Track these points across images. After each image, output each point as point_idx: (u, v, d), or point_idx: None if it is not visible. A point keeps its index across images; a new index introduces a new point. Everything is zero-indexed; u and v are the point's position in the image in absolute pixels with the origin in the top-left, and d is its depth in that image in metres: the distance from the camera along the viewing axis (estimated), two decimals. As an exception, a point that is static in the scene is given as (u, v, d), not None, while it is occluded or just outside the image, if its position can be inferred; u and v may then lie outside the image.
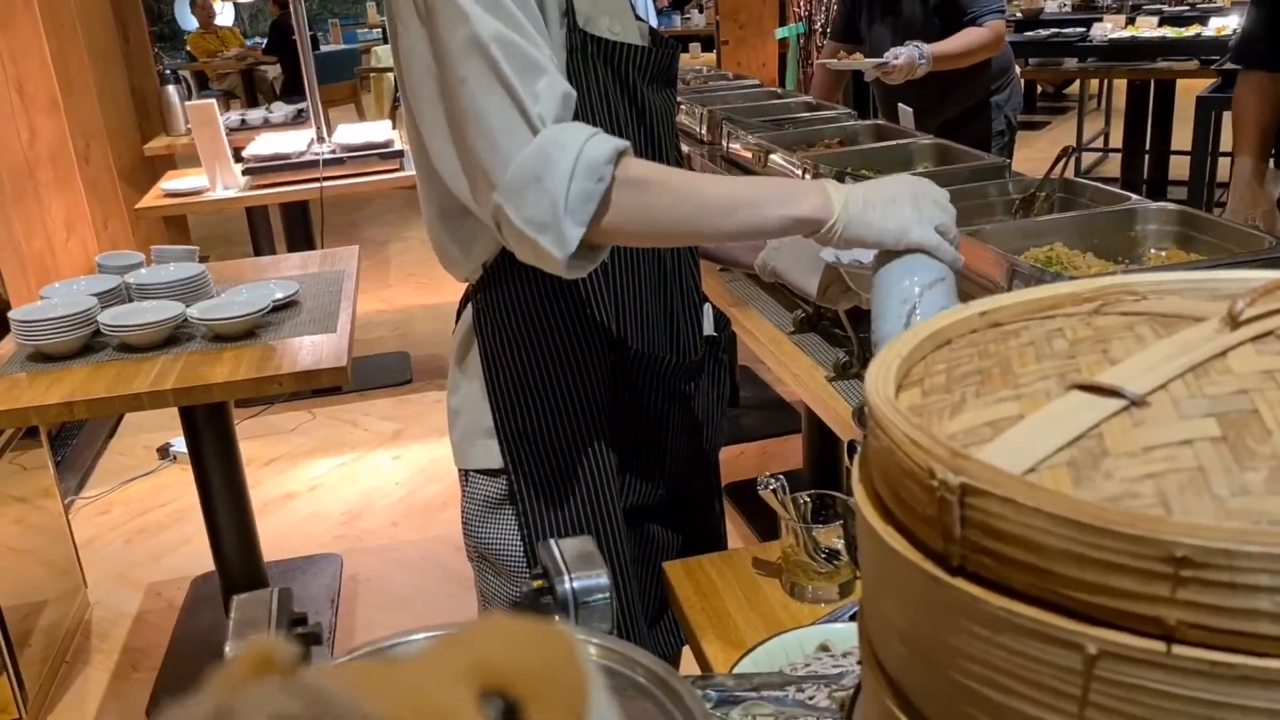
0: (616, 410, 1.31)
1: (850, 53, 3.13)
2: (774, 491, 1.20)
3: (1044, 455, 0.47)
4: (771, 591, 1.26)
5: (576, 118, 1.09)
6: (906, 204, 1.07)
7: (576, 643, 0.33)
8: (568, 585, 0.72)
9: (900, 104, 2.50)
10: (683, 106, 2.85)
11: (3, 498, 2.68)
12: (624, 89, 1.17)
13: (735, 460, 3.51)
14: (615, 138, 1.07)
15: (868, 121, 2.43)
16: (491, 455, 1.29)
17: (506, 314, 1.25)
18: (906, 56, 2.91)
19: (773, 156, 2.19)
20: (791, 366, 1.94)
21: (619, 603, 1.34)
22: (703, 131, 2.66)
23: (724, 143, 2.48)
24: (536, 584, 0.75)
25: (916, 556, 0.49)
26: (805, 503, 1.22)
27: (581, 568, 0.73)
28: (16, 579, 2.56)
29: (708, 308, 1.44)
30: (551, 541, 0.77)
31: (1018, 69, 3.36)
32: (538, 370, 1.27)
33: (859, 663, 0.59)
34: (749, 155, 2.29)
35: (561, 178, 1.01)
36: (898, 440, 0.50)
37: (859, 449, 1.24)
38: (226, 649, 0.67)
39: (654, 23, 1.32)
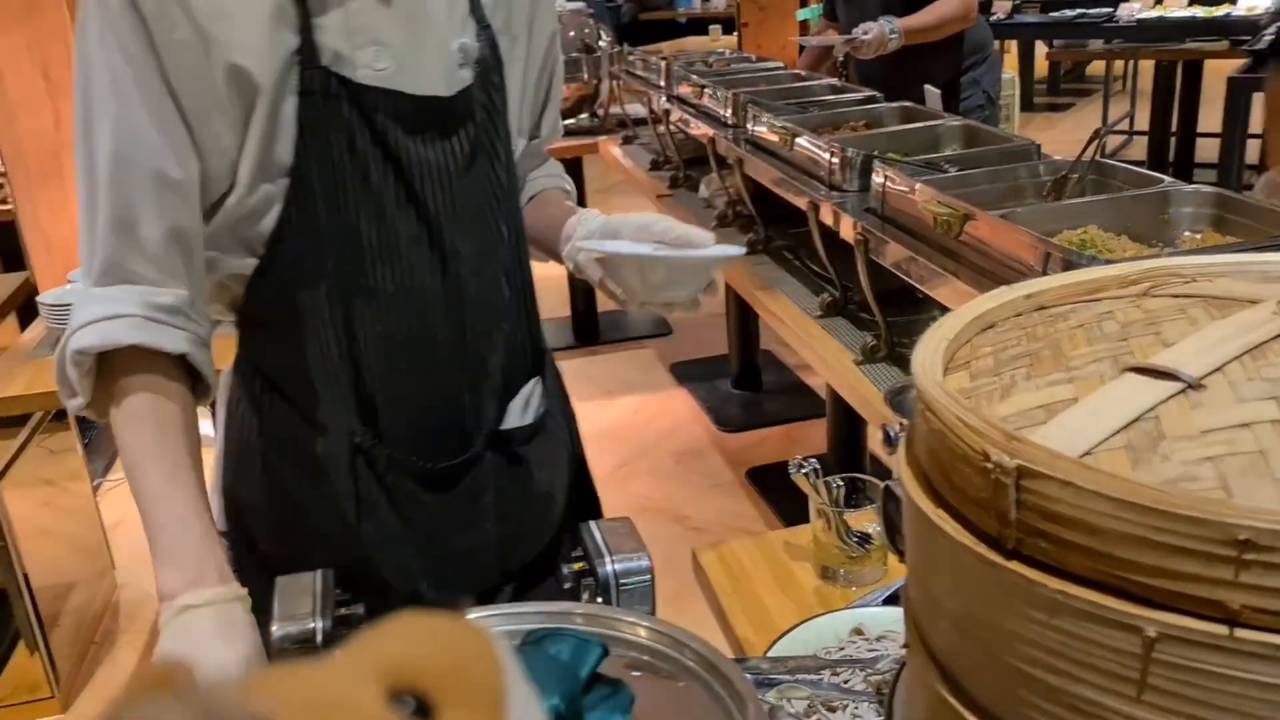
0: (360, 493, 1.08)
1: (842, 31, 3.14)
2: (806, 475, 1.20)
3: (1100, 438, 0.47)
4: (803, 575, 1.26)
5: (311, 166, 0.98)
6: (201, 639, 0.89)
7: (493, 638, 0.32)
8: (609, 567, 0.72)
9: (927, 85, 2.49)
10: (706, 90, 2.84)
11: (32, 480, 2.70)
12: (373, 135, 0.99)
13: (758, 445, 3.51)
14: (116, 333, 0.94)
15: (894, 104, 2.42)
16: (217, 514, 1.10)
17: (246, 360, 1.11)
18: (877, 31, 2.92)
19: (798, 140, 2.17)
20: (818, 350, 1.94)
21: None
22: (727, 114, 2.65)
23: (748, 126, 2.47)
24: (577, 566, 0.75)
25: (970, 540, 0.48)
26: (838, 486, 1.22)
27: (622, 550, 0.73)
28: (46, 560, 2.58)
29: (530, 389, 1.18)
30: (592, 524, 0.77)
31: (997, 45, 3.38)
32: (269, 435, 1.09)
33: (904, 645, 0.59)
34: (775, 139, 2.28)
35: (58, 351, 0.97)
36: (949, 423, 0.50)
37: (893, 433, 1.23)
38: (273, 629, 0.68)
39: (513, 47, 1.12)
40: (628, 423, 3.72)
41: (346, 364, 1.04)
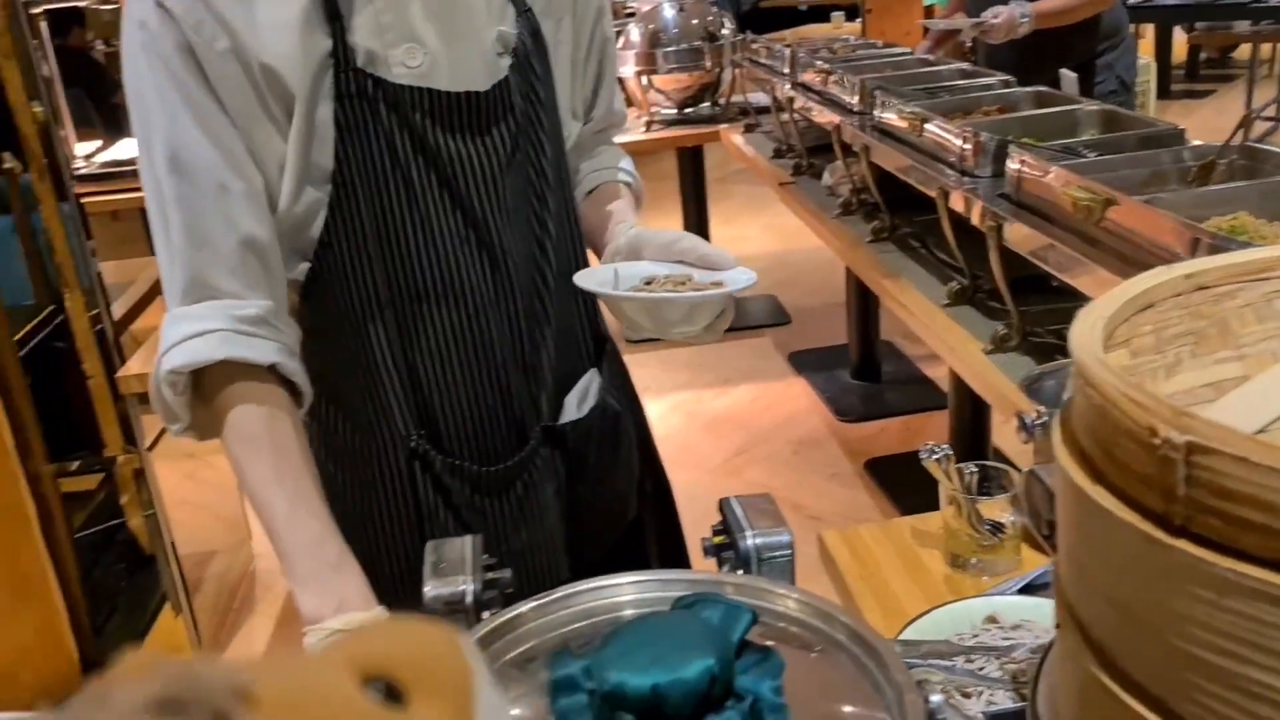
0: (420, 498, 1.09)
1: (970, 15, 3.06)
2: (937, 461, 1.18)
3: (1275, 415, 0.46)
4: (931, 563, 1.24)
5: (352, 170, 0.98)
6: None
7: (462, 637, 0.33)
8: (749, 541, 0.73)
9: (1062, 70, 2.42)
10: (831, 76, 2.81)
11: (177, 454, 2.84)
12: (414, 136, 0.99)
13: (877, 436, 3.47)
14: (205, 349, 0.93)
15: (1028, 89, 2.36)
16: None
17: (308, 364, 1.09)
18: (1006, 15, 2.84)
19: (928, 125, 2.14)
20: (946, 339, 1.91)
21: None
22: (853, 101, 2.62)
23: (875, 112, 2.44)
24: (717, 539, 0.76)
25: (1133, 517, 0.48)
26: (971, 473, 1.20)
27: (763, 524, 0.74)
28: (188, 530, 2.71)
29: (586, 381, 1.17)
30: (732, 499, 0.78)
31: (1132, 29, 3.24)
32: (328, 444, 1.10)
33: (1057, 626, 0.59)
34: (904, 125, 2.24)
35: (152, 377, 0.97)
36: (1114, 399, 0.49)
37: (1030, 421, 1.20)
38: (426, 589, 0.70)
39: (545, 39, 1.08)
40: (745, 411, 3.72)
41: (401, 368, 1.04)
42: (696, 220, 4.36)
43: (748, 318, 4.44)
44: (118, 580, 2.76)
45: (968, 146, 1.97)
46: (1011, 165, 1.78)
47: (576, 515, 1.15)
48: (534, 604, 0.59)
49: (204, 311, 0.95)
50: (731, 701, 0.52)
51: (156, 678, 0.26)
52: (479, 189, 1.02)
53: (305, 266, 1.02)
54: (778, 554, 0.72)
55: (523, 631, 0.57)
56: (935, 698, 0.53)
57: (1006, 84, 2.47)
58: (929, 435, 3.46)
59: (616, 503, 1.21)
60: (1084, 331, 0.57)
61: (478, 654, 0.33)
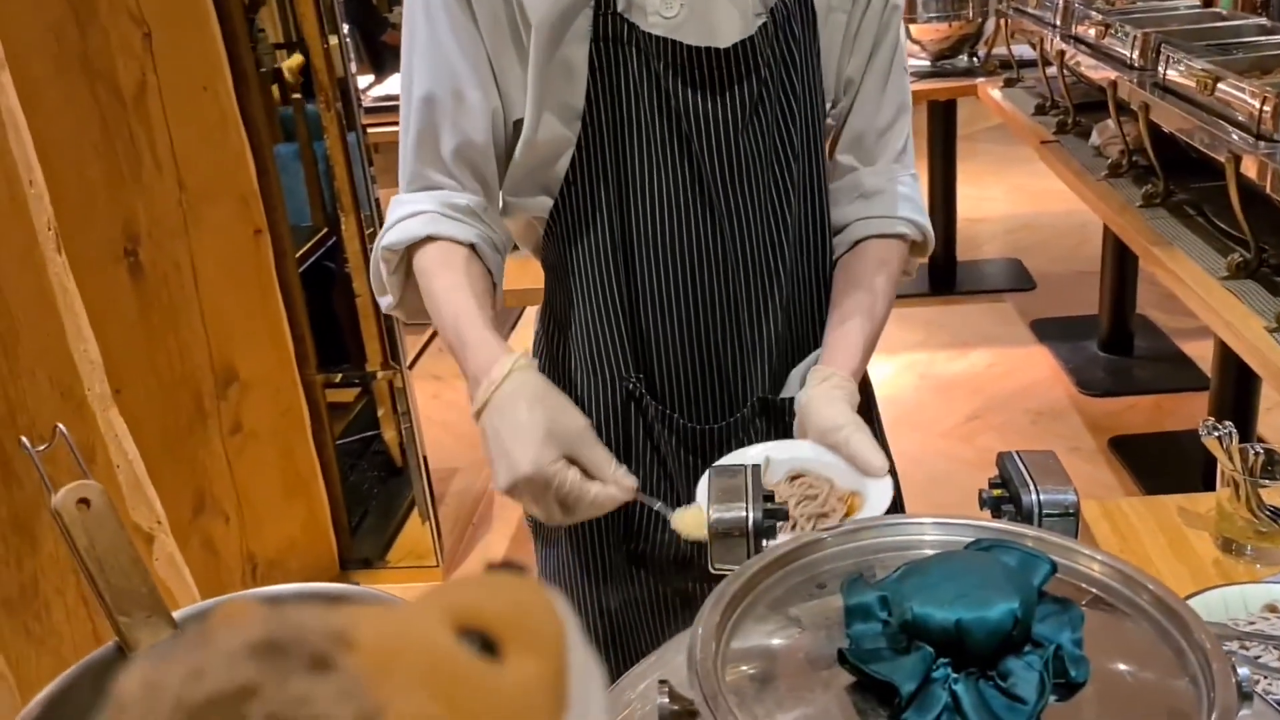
0: (630, 441, 1.11)
1: None
2: (1219, 439, 1.12)
3: None
4: (1200, 544, 1.19)
5: (600, 112, 1.00)
6: (495, 445, 0.96)
7: (553, 594, 0.33)
8: (1033, 497, 0.72)
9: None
10: (1109, 29, 2.65)
11: (426, 376, 3.04)
12: (656, 87, 0.99)
13: (1124, 413, 3.29)
14: (415, 228, 1.03)
15: (1340, 46, 2.15)
16: None
17: (546, 302, 1.16)
18: None
19: (1221, 85, 1.99)
20: (1222, 313, 1.79)
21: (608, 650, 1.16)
22: (1133, 56, 2.46)
23: (1160, 69, 2.28)
24: (995, 492, 0.75)
25: None
26: (1257, 455, 1.13)
27: (1047, 482, 0.73)
28: (433, 447, 2.89)
29: (814, 358, 1.11)
30: (1015, 453, 0.77)
31: None
32: (557, 375, 1.14)
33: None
34: (1192, 84, 2.09)
35: (373, 251, 1.08)
36: None
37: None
38: (710, 513, 0.73)
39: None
40: (980, 376, 3.61)
41: (624, 312, 1.06)
42: (943, 179, 4.22)
43: (989, 281, 4.28)
44: (371, 487, 2.98)
45: (1266, 108, 1.82)
46: (1319, 130, 1.64)
47: None
48: (830, 532, 0.61)
49: (420, 197, 1.06)
50: (1030, 647, 0.52)
51: (256, 622, 0.27)
52: (710, 146, 1.02)
53: (547, 203, 1.06)
54: (1062, 511, 0.71)
55: (816, 558, 0.59)
56: (1243, 670, 0.52)
57: (1313, 41, 2.26)
58: (1183, 415, 3.26)
59: None
60: None
61: (569, 612, 0.33)
